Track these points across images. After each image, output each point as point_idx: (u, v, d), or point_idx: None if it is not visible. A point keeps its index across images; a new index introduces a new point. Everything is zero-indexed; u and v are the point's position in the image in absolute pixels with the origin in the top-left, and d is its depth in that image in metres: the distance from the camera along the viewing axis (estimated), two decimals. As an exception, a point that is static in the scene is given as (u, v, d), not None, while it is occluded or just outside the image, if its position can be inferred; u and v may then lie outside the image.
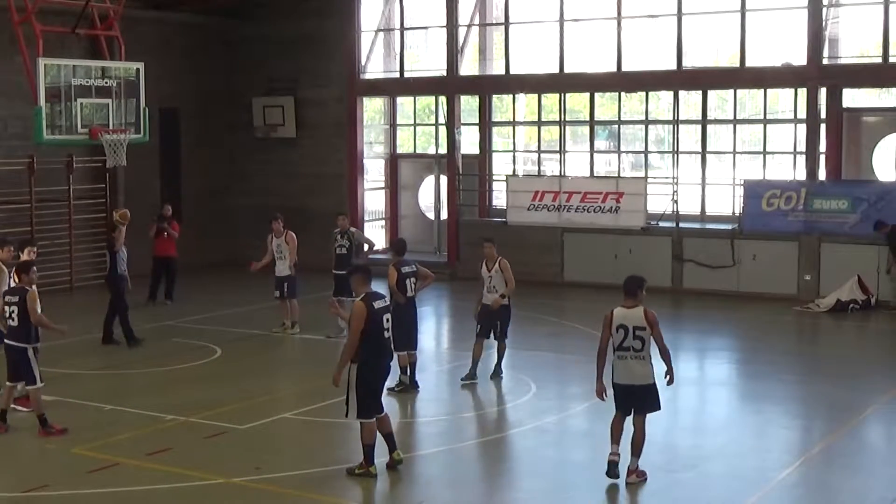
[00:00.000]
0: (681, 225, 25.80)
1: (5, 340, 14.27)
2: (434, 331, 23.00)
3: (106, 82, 18.66)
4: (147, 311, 22.64)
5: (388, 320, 12.37)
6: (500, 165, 29.38)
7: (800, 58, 24.85)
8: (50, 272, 25.74)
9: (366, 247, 22.29)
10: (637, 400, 12.28)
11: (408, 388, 16.19)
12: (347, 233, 20.87)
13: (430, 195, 30.31)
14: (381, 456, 12.49)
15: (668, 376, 12.31)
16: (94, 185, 26.91)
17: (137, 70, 18.91)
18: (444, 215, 29.29)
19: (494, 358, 17.42)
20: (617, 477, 12.22)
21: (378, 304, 12.29)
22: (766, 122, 26.43)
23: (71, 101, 18.04)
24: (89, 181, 26.89)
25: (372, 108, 31.23)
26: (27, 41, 17.34)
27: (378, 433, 12.41)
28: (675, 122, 26.83)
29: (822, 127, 24.70)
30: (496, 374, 17.48)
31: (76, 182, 26.28)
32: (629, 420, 12.44)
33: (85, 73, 18.40)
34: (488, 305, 17.14)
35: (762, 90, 26.20)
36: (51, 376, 17.24)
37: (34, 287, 14.16)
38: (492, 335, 17.24)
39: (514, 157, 29.29)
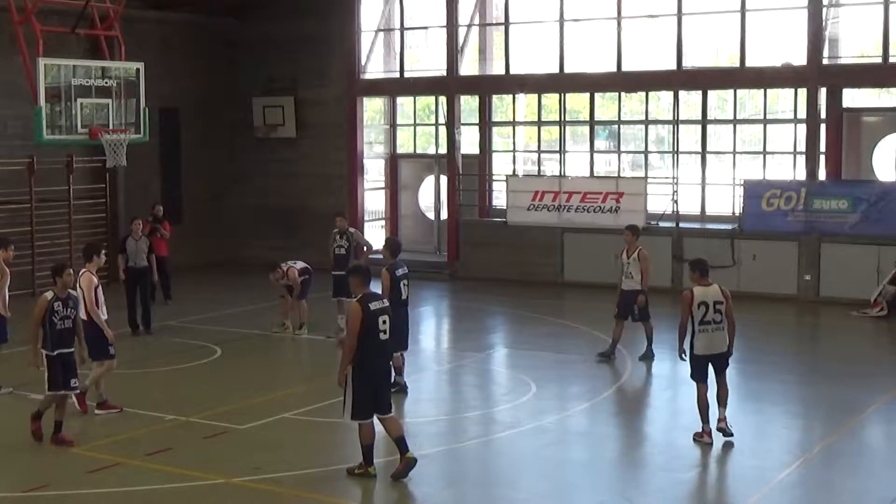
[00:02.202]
0: (681, 225, 25.80)
1: None
2: (433, 331, 23.00)
3: (106, 82, 18.67)
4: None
5: (385, 322, 12.30)
6: (500, 165, 29.39)
7: (800, 58, 24.85)
8: (49, 272, 25.75)
9: (364, 248, 22.24)
10: (717, 364, 13.87)
11: (402, 389, 16.09)
12: (346, 233, 20.84)
13: (430, 195, 30.32)
14: (383, 456, 12.48)
15: (729, 348, 14.05)
16: (94, 185, 26.91)
17: (137, 70, 18.91)
18: (444, 215, 29.29)
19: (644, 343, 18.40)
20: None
21: (374, 306, 12.26)
22: (766, 122, 26.44)
23: (71, 101, 18.04)
24: (89, 181, 26.88)
25: (372, 108, 31.24)
26: (27, 41, 17.35)
27: (389, 436, 12.41)
28: (675, 122, 26.83)
29: (822, 127, 24.70)
30: (647, 356, 18.25)
31: (76, 182, 26.27)
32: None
33: (85, 73, 18.40)
34: (626, 290, 18.14)
35: (762, 90, 26.21)
36: (50, 376, 17.27)
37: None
38: (630, 318, 18.42)
39: (514, 157, 29.29)
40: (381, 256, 17.03)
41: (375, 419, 12.33)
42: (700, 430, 13.70)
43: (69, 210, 26.17)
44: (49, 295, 13.62)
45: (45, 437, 13.79)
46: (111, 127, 18.45)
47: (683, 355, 13.79)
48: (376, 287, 12.77)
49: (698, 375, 13.79)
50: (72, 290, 13.87)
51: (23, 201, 25.20)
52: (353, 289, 12.45)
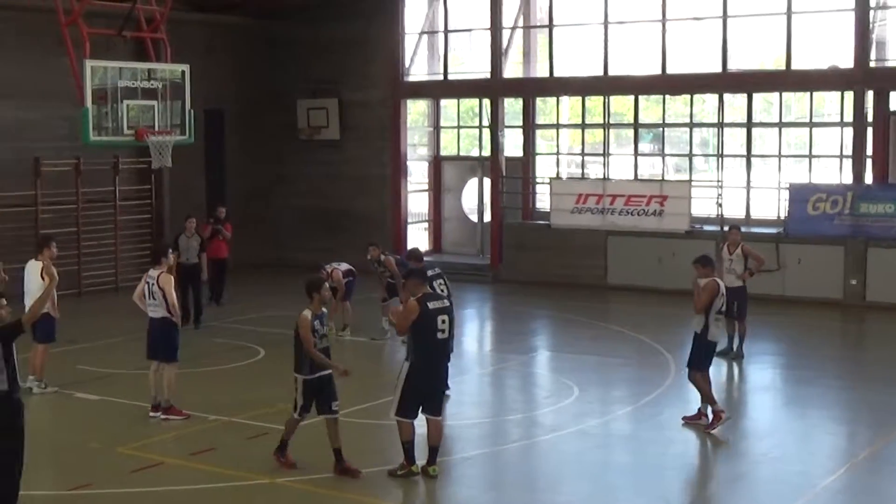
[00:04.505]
0: (725, 229, 25.61)
1: None
2: (476, 333, 22.98)
3: (152, 84, 18.78)
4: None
5: (444, 322, 12.26)
6: (544, 168, 29.33)
7: (846, 60, 24.64)
8: (95, 272, 26.03)
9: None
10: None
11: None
12: (381, 261, 20.25)
13: (473, 198, 30.31)
14: (421, 459, 12.49)
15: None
16: (139, 185, 27.10)
17: (183, 72, 19.01)
18: (487, 218, 29.26)
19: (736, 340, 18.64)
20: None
21: (433, 305, 12.27)
22: (811, 125, 26.23)
23: (117, 102, 18.17)
24: (135, 182, 27.08)
25: (416, 111, 31.26)
26: (74, 43, 17.48)
27: (427, 440, 12.41)
28: (720, 125, 26.67)
29: (869, 130, 24.49)
30: (737, 354, 18.49)
31: (122, 183, 26.47)
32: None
33: (131, 75, 18.53)
34: (729, 287, 17.74)
35: (808, 93, 26.02)
36: (95, 376, 17.46)
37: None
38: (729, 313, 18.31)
39: (557, 159, 29.21)
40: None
41: (423, 419, 12.33)
42: (710, 416, 14.35)
43: (115, 211, 26.37)
44: (308, 313, 12.93)
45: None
46: (157, 128, 18.55)
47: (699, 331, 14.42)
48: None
49: (707, 363, 14.53)
50: (325, 307, 13.11)
51: (70, 202, 25.42)
52: (412, 290, 12.37)
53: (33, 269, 15.97)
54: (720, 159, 26.67)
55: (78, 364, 18.08)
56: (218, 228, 23.82)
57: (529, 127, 28.86)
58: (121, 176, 26.28)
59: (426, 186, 30.91)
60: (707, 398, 14.40)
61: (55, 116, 25.21)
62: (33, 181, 24.65)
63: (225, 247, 23.98)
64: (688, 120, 27.50)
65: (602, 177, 27.76)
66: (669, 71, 26.60)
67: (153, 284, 14.83)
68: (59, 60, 20.50)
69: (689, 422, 14.51)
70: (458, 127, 30.96)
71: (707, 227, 25.72)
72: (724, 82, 26.19)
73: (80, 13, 17.68)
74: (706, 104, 27.86)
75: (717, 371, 17.39)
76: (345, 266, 20.84)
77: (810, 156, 26.19)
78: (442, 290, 15.04)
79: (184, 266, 21.02)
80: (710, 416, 14.35)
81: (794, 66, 25.27)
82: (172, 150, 18.75)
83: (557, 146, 29.22)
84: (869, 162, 24.56)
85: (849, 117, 24.85)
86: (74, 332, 19.59)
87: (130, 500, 11.99)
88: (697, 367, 14.46)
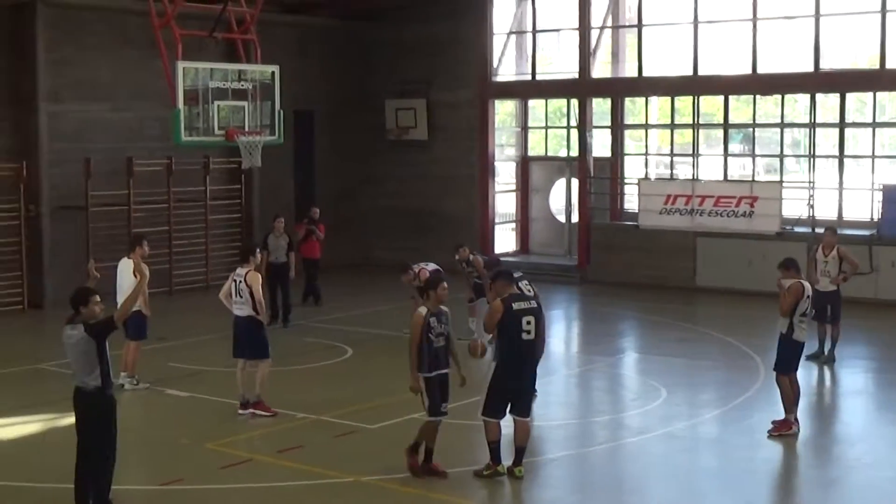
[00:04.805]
0: (817, 230, 25.26)
1: None
2: (563, 334, 22.91)
3: (242, 85, 18.92)
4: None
5: (529, 322, 12.24)
6: (632, 169, 29.17)
7: (943, 59, 24.21)
8: (186, 271, 26.36)
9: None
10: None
11: None
12: (470, 262, 20.25)
13: (561, 198, 30.22)
14: (507, 460, 12.48)
15: None
16: (229, 185, 27.41)
17: (273, 73, 19.13)
18: (574, 218, 29.16)
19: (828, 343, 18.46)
20: None
21: (518, 305, 12.28)
22: (906, 125, 25.81)
23: (208, 103, 18.33)
24: (225, 182, 27.40)
25: (503, 111, 31.24)
26: (167, 45, 17.68)
27: (513, 441, 12.40)
28: (812, 126, 26.30)
29: (966, 130, 24.03)
30: (829, 358, 18.34)
31: (212, 183, 26.78)
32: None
33: (222, 76, 18.67)
34: (821, 291, 18.03)
35: (903, 93, 25.61)
36: (185, 373, 17.70)
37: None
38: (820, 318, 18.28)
39: (646, 160, 29.02)
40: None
41: (510, 419, 12.32)
42: (780, 422, 14.15)
43: (205, 210, 26.68)
44: (423, 310, 12.34)
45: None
46: (247, 129, 18.69)
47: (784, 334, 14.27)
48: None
49: (795, 365, 14.33)
50: (443, 306, 12.49)
51: (161, 201, 25.76)
52: (498, 291, 12.38)
53: (126, 267, 16.26)
54: (812, 160, 26.31)
55: (169, 361, 18.35)
56: (312, 229, 24.03)
57: (618, 127, 28.72)
58: (211, 176, 26.59)
59: (514, 187, 30.88)
60: (787, 403, 14.20)
61: (148, 117, 25.61)
62: (126, 181, 25.02)
63: (318, 247, 24.19)
64: (779, 120, 27.16)
65: (691, 177, 27.54)
66: (760, 70, 26.29)
67: (240, 282, 14.98)
68: (152, 62, 20.80)
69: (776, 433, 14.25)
70: (546, 127, 30.90)
71: (798, 229, 25.39)
72: (817, 82, 25.82)
73: (173, 15, 17.87)
74: (798, 104, 27.50)
75: (809, 374, 17.19)
76: (432, 266, 20.83)
77: (905, 156, 25.77)
78: (528, 292, 15.04)
79: (273, 265, 21.25)
80: (795, 422, 14.16)
81: (888, 66, 24.85)
82: (262, 150, 18.88)
83: (646, 146, 29.03)
84: (966, 163, 24.10)
85: (945, 117, 24.41)
86: (165, 330, 19.88)
87: (220, 496, 12.13)
88: (784, 370, 14.27)
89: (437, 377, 12.30)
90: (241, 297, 14.99)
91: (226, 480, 12.47)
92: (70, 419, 11.19)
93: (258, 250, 16.02)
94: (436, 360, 12.26)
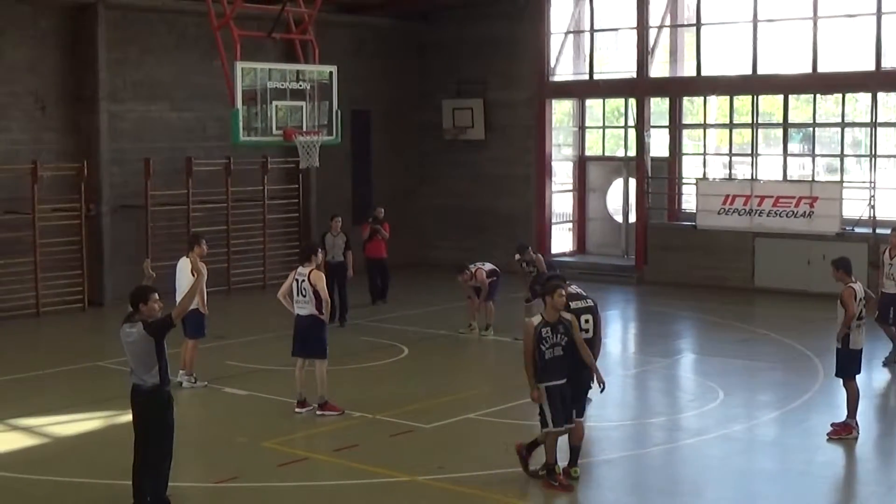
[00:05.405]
0: (878, 231, 24.98)
1: None
2: (620, 335, 22.81)
3: (300, 85, 19.00)
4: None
5: (587, 321, 12.28)
6: (690, 168, 28.98)
7: None
8: (243, 270, 26.53)
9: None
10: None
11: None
12: (532, 260, 20.55)
13: (618, 198, 30.10)
14: (563, 460, 12.45)
15: None
16: (287, 185, 27.55)
17: (331, 73, 19.20)
18: (632, 218, 29.04)
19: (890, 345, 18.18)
20: None
21: (576, 305, 12.28)
22: (970, 124, 25.46)
23: (266, 103, 18.44)
24: (283, 182, 27.55)
25: (560, 111, 31.15)
26: (226, 46, 17.80)
27: (568, 440, 12.37)
28: (873, 125, 26.00)
29: None
30: (892, 360, 18.13)
31: (270, 182, 26.92)
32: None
33: (280, 77, 18.77)
34: (887, 293, 18.02)
35: (966, 91, 25.27)
36: (242, 371, 17.81)
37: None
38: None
39: (704, 160, 28.82)
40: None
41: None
42: (841, 425, 13.98)
43: (263, 210, 26.83)
44: (536, 319, 11.97)
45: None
46: (305, 129, 18.77)
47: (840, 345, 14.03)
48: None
49: (856, 370, 14.05)
50: (564, 313, 12.00)
51: (219, 201, 25.94)
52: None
53: (184, 266, 16.40)
54: (873, 160, 26.02)
55: (226, 359, 18.47)
56: (377, 228, 24.13)
57: (676, 127, 28.55)
58: (269, 175, 26.73)
59: (570, 187, 30.79)
60: (850, 408, 14.04)
61: (207, 117, 25.81)
62: (185, 180, 25.22)
63: (384, 246, 24.26)
64: (839, 119, 26.88)
65: (750, 177, 27.32)
66: (820, 69, 26.03)
67: (303, 281, 15.04)
68: (211, 63, 20.98)
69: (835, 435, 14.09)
70: (604, 127, 30.79)
71: (858, 230, 25.12)
72: (878, 81, 25.53)
73: (232, 16, 17.99)
74: (859, 103, 27.21)
75: (870, 377, 16.98)
76: (488, 266, 20.90)
77: (968, 156, 25.43)
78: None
79: (330, 264, 21.33)
80: (855, 426, 14.02)
81: (952, 64, 24.56)
82: (320, 150, 18.95)
83: (704, 146, 28.83)
84: None
85: None
86: (223, 328, 20.02)
87: (276, 494, 12.19)
88: (847, 376, 14.07)
89: (555, 388, 11.87)
90: (303, 296, 15.05)
91: (282, 479, 12.53)
92: (128, 416, 11.29)
93: (319, 250, 16.07)
94: (545, 371, 11.80)
